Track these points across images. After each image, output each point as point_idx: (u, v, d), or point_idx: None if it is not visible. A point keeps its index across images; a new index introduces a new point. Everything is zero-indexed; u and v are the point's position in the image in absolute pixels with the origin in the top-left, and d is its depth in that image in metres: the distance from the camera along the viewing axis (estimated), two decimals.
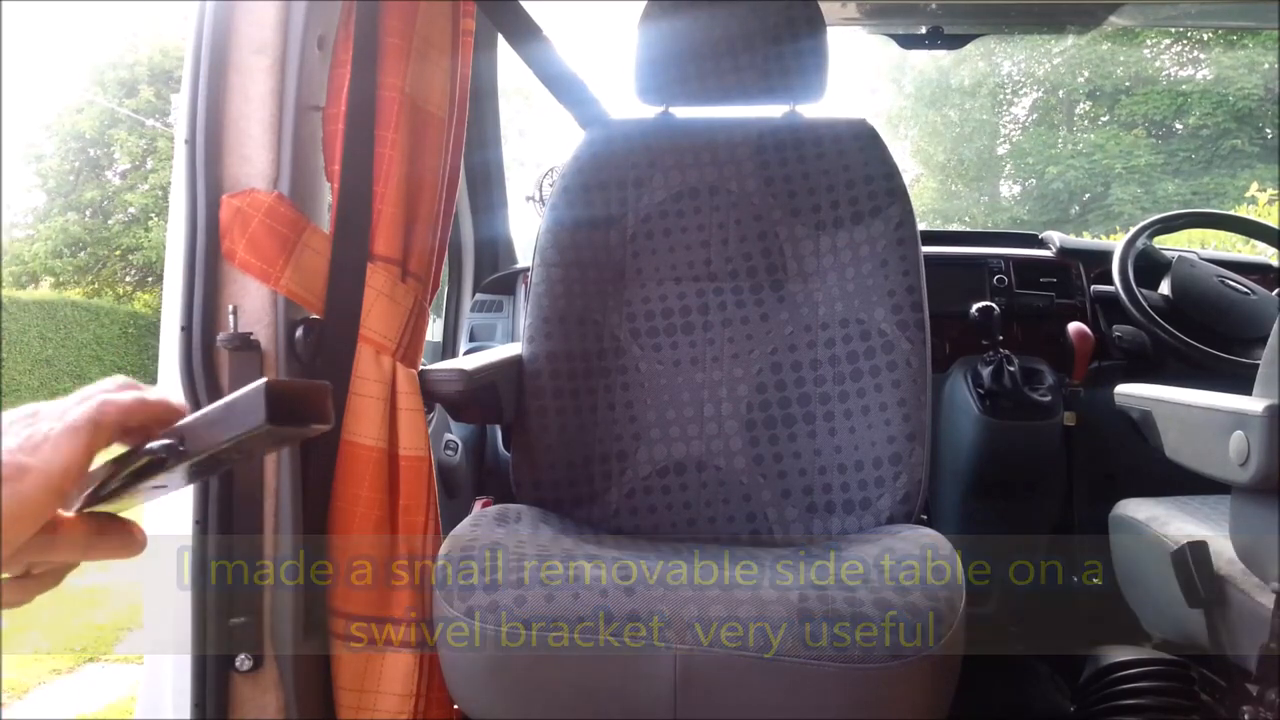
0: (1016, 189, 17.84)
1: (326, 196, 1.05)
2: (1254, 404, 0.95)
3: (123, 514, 0.46)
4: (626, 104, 1.46)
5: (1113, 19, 1.93)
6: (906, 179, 1.38)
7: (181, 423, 0.43)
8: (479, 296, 1.94)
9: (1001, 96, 17.77)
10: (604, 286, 1.37)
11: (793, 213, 1.37)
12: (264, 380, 0.39)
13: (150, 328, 11.48)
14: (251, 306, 0.97)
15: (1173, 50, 15.53)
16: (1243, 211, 3.83)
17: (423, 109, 1.10)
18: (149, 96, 13.31)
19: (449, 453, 1.58)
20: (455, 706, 1.05)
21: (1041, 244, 2.00)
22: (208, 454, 0.42)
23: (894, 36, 1.98)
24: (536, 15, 1.46)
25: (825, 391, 1.29)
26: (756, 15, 1.35)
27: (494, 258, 2.07)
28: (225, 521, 0.96)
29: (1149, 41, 15.17)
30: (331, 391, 0.42)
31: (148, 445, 0.42)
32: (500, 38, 1.71)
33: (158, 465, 0.43)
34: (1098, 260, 1.88)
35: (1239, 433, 0.96)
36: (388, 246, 1.06)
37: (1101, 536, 1.50)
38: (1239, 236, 2.46)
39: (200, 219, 0.95)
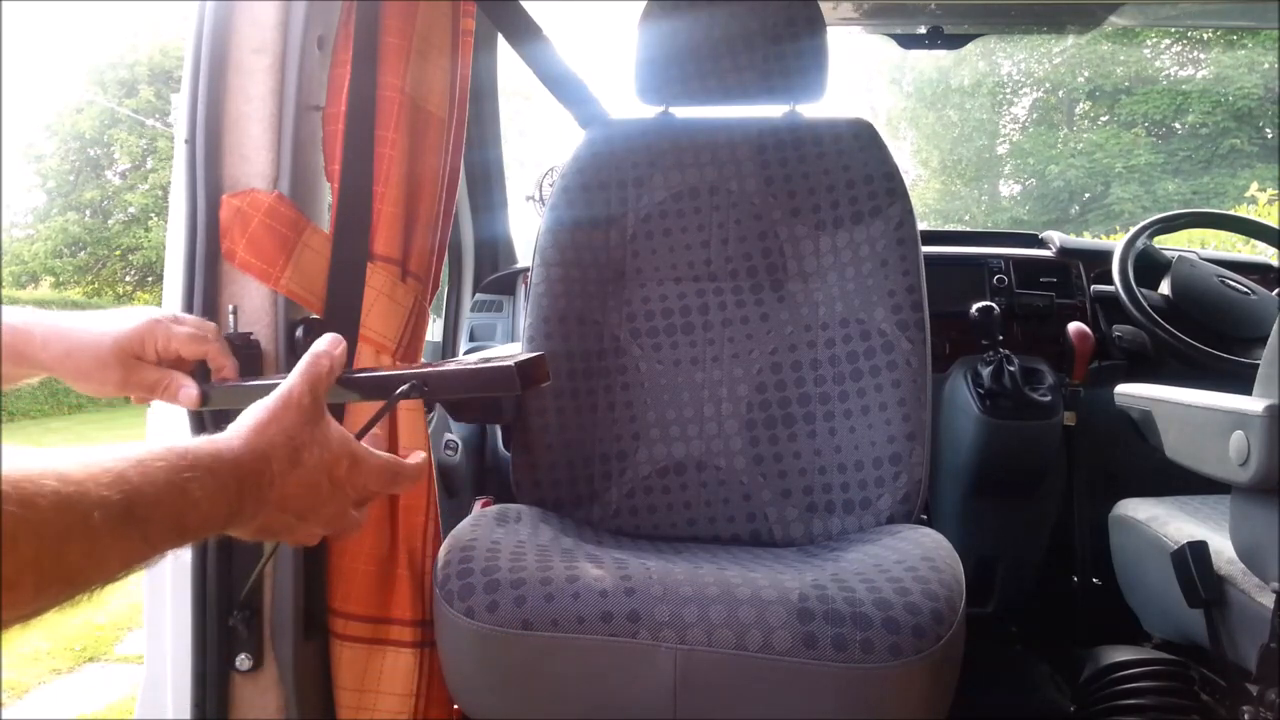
0: (1016, 189, 17.84)
1: (326, 196, 1.05)
2: (1254, 404, 0.95)
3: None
4: (626, 104, 1.46)
5: (1113, 19, 1.93)
6: (906, 179, 1.38)
7: (424, 370, 0.59)
8: (479, 296, 1.94)
9: (1001, 96, 17.77)
10: (604, 286, 1.37)
11: (793, 212, 1.37)
12: (514, 360, 0.59)
13: None
14: (251, 306, 0.97)
15: (1173, 50, 15.53)
16: (1243, 211, 3.82)
17: (423, 109, 1.10)
18: (149, 96, 13.32)
19: (449, 453, 1.58)
20: (455, 706, 1.06)
21: (1041, 244, 2.00)
22: (447, 398, 0.60)
23: (894, 36, 1.98)
24: (536, 15, 1.46)
25: (825, 391, 1.29)
26: (756, 15, 1.35)
27: (494, 258, 2.07)
28: None
29: (1149, 41, 15.17)
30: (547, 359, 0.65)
31: (397, 391, 0.60)
32: (500, 38, 1.71)
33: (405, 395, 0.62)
34: (1098, 260, 1.88)
35: (1239, 433, 0.97)
36: (388, 246, 1.06)
37: (1101, 536, 1.49)
38: (1239, 236, 2.46)
39: (200, 219, 0.95)
